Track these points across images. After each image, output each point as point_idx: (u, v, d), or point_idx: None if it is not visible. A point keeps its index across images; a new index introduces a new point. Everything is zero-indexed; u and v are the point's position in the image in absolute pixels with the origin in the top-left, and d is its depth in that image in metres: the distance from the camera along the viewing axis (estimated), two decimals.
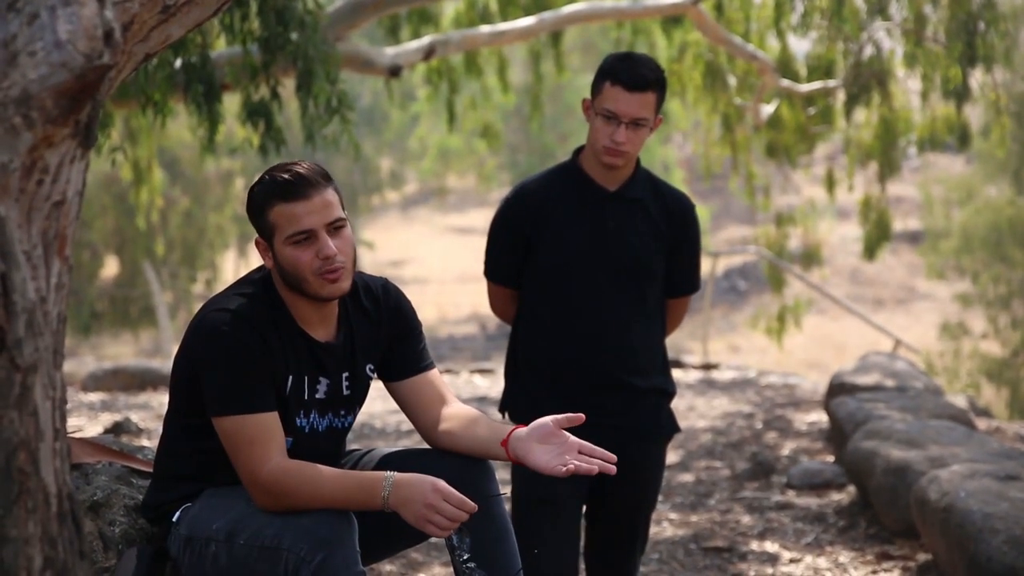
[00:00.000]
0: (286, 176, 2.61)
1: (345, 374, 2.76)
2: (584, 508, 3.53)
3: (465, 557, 2.60)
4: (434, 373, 2.87)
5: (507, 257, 3.46)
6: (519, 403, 3.47)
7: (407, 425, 7.44)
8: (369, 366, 2.81)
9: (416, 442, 6.83)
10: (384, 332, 2.82)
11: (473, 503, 2.50)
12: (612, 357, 3.39)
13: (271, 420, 2.58)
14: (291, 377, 2.66)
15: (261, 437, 2.55)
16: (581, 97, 3.42)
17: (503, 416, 3.54)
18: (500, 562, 2.66)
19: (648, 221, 3.41)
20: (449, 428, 2.75)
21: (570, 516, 3.40)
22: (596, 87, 3.32)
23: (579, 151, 3.46)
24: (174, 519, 2.69)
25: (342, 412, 2.78)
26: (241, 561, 2.53)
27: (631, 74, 3.25)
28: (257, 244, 2.69)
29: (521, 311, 3.48)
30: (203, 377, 2.60)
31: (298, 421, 2.70)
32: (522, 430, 2.65)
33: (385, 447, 2.89)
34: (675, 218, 3.46)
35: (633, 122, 3.26)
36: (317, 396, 2.72)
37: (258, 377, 2.58)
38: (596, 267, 3.38)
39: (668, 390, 3.51)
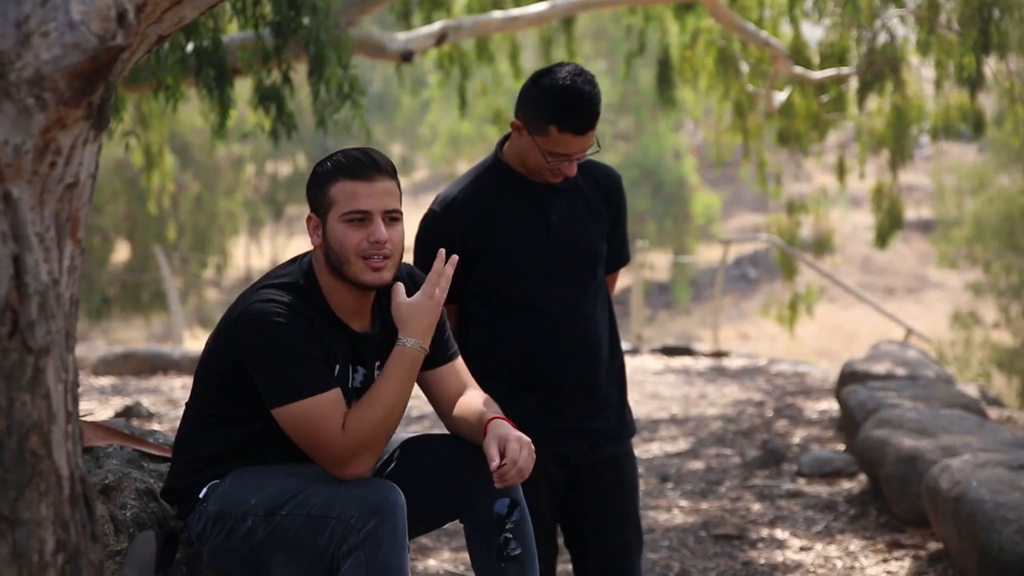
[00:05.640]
0: (357, 155, 2.65)
1: (377, 363, 2.76)
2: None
3: (512, 542, 2.62)
4: (458, 362, 2.88)
5: None
6: None
7: (427, 409, 7.44)
8: None
9: (427, 428, 6.83)
10: None
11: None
12: (578, 354, 3.20)
13: (334, 396, 2.57)
14: (337, 366, 2.67)
15: (329, 412, 2.54)
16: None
17: None
18: (529, 549, 2.70)
19: (587, 204, 3.25)
20: (461, 415, 2.77)
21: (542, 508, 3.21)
22: (538, 126, 3.05)
23: (501, 145, 3.23)
24: (200, 495, 2.68)
25: None
26: (281, 534, 2.52)
27: (581, 121, 3.03)
28: (308, 220, 2.70)
29: (469, 323, 3.23)
30: (255, 370, 2.57)
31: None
32: (501, 430, 2.63)
33: (403, 432, 2.89)
34: (609, 194, 3.30)
35: (582, 151, 3.11)
36: (353, 384, 2.72)
37: (314, 360, 2.57)
38: (548, 265, 3.17)
39: (623, 377, 3.33)
